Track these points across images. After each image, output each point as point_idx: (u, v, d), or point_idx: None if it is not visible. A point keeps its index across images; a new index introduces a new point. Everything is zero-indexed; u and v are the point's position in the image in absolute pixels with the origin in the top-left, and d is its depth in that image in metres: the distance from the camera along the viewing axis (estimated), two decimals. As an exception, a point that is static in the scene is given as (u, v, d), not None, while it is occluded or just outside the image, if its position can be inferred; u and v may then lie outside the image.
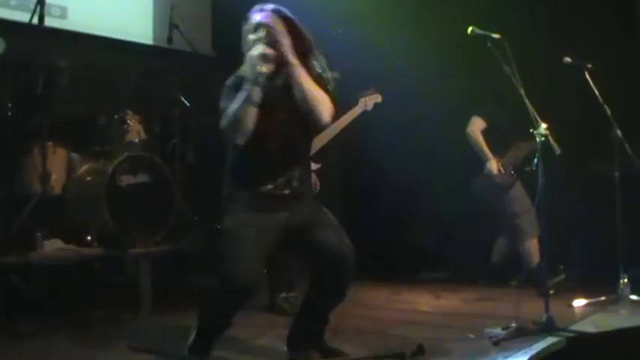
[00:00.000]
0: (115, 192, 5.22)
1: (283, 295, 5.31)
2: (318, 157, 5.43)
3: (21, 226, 4.96)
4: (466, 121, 6.39)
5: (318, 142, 5.44)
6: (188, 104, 6.07)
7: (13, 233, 4.91)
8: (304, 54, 3.79)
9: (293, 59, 3.66)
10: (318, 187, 5.40)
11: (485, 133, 6.41)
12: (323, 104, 3.69)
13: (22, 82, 5.13)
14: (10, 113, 5.04)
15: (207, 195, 6.32)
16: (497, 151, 6.38)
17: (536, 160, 4.72)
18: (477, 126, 6.42)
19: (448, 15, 6.83)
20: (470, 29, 4.81)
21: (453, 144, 6.68)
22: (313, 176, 4.94)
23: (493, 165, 6.36)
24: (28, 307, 4.73)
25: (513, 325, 4.39)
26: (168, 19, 6.28)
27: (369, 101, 5.77)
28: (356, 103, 5.73)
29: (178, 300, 5.36)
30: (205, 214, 5.87)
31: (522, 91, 4.74)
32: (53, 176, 5.23)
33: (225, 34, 7.29)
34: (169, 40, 6.19)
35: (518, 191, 6.40)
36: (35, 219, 5.05)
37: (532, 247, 6.32)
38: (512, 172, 6.36)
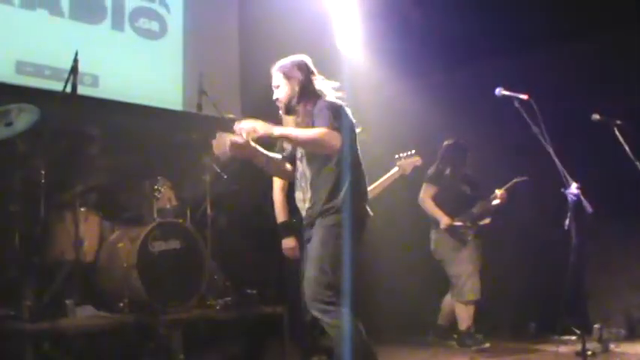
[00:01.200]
0: (147, 258, 5.22)
1: (315, 358, 5.24)
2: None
3: (53, 293, 4.97)
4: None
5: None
6: (218, 170, 6.10)
7: (46, 300, 4.91)
8: (300, 96, 4.16)
9: (276, 132, 3.96)
10: None
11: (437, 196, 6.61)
12: (322, 144, 3.92)
13: (55, 150, 5.18)
14: (43, 180, 5.08)
15: (239, 260, 6.37)
16: (452, 211, 6.54)
17: (567, 220, 4.70)
18: (427, 193, 6.63)
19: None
20: (497, 90, 4.83)
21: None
22: None
23: (445, 221, 6.49)
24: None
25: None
26: (197, 85, 6.36)
27: (408, 165, 5.68)
28: (393, 165, 5.67)
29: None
30: (237, 279, 5.86)
31: (551, 150, 4.73)
32: (85, 243, 5.25)
33: (254, 98, 7.38)
34: (199, 106, 6.25)
35: (467, 253, 6.46)
36: (67, 286, 5.07)
37: (462, 311, 6.40)
38: (465, 230, 6.45)
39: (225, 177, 6.02)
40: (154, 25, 7.14)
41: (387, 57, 7.40)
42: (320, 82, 4.26)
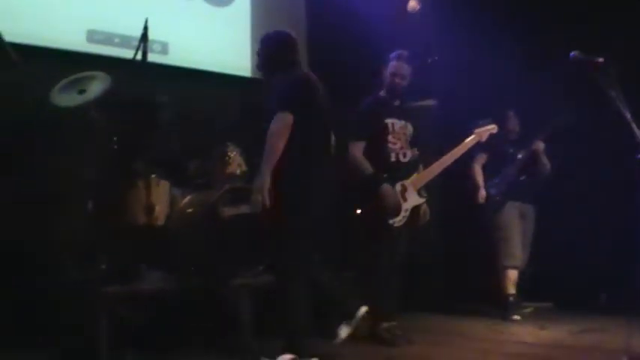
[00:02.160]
0: (217, 223, 5.28)
1: (385, 324, 5.26)
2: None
3: (126, 258, 5.07)
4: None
5: (430, 174, 5.42)
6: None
7: (119, 264, 5.01)
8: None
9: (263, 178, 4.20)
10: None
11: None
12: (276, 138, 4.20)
13: (126, 117, 5.25)
14: (115, 147, 5.16)
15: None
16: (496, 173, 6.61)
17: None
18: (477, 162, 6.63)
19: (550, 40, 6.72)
20: (572, 54, 4.71)
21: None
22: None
23: (480, 194, 6.55)
24: (133, 337, 4.80)
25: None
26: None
27: (483, 132, 5.71)
28: (470, 134, 5.69)
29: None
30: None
31: (629, 115, 4.61)
32: (157, 208, 5.31)
33: (321, 63, 7.35)
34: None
35: (503, 217, 6.51)
36: (139, 250, 5.16)
37: (504, 278, 6.42)
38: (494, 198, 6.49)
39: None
40: (222, -8, 7.17)
41: (459, 25, 7.27)
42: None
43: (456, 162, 5.59)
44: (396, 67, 5.40)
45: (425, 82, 6.04)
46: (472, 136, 5.70)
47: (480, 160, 6.64)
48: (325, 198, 4.48)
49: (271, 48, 4.65)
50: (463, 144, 5.64)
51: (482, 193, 6.54)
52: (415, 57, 5.52)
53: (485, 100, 6.76)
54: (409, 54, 5.44)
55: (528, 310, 6.39)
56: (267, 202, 4.18)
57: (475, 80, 7.00)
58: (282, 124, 4.20)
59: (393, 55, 5.44)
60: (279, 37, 4.69)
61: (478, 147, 6.03)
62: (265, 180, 4.19)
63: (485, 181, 6.62)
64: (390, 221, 5.26)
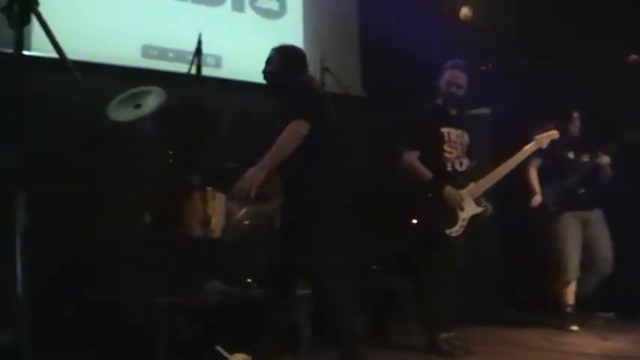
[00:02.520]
0: (273, 235, 5.28)
1: (443, 335, 5.21)
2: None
3: (183, 269, 5.11)
4: None
5: (487, 182, 5.36)
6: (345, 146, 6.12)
7: (176, 276, 5.05)
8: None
9: (264, 167, 4.19)
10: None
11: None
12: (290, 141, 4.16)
13: (182, 130, 5.29)
14: (171, 160, 5.21)
15: (361, 235, 6.36)
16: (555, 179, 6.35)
17: None
18: (531, 163, 6.39)
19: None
20: (631, 57, 4.64)
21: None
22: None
23: (535, 200, 6.35)
24: (189, 348, 4.83)
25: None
26: (318, 62, 6.37)
27: (544, 138, 5.62)
28: (530, 140, 5.60)
29: (333, 341, 5.35)
30: (360, 255, 5.87)
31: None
32: (213, 220, 5.34)
33: (375, 74, 7.35)
34: (322, 84, 6.27)
35: (558, 228, 6.27)
36: (196, 262, 5.19)
37: (561, 289, 6.29)
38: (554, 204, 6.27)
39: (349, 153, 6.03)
40: (274, 5, 7.20)
41: (510, 27, 7.20)
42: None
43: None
44: (453, 75, 5.35)
45: (480, 90, 5.96)
46: (532, 143, 5.61)
47: (535, 163, 6.41)
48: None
49: (292, 58, 4.68)
50: (522, 151, 5.55)
51: (537, 199, 6.35)
52: (469, 65, 5.46)
53: (542, 108, 6.67)
54: (465, 62, 5.39)
55: (598, 320, 6.21)
56: (253, 196, 4.15)
57: (531, 87, 6.92)
58: (303, 128, 4.17)
59: (449, 63, 5.40)
60: (299, 51, 4.75)
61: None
62: (262, 174, 4.16)
63: (542, 185, 6.42)
64: (447, 231, 5.21)
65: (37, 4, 2.44)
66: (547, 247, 6.37)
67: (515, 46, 6.96)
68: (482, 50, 7.10)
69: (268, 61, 4.73)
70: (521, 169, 6.19)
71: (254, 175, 4.15)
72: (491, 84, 6.89)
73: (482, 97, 6.88)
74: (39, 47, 4.52)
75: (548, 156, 6.26)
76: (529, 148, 5.58)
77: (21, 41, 2.42)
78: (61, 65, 2.58)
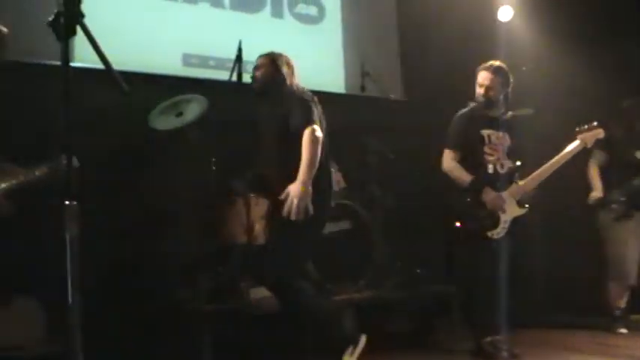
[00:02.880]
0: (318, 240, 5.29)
1: (489, 338, 5.16)
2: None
3: (227, 276, 5.13)
4: None
5: (531, 183, 5.30)
6: (384, 150, 6.10)
7: (220, 282, 5.07)
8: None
9: (305, 183, 4.18)
10: None
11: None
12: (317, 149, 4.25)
13: (224, 138, 5.32)
14: (214, 168, 5.24)
15: (408, 240, 6.35)
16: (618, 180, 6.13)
17: None
18: (593, 160, 6.25)
19: None
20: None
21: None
22: None
23: (593, 195, 6.18)
24: (234, 354, 4.84)
25: None
26: (359, 67, 6.37)
27: (589, 137, 5.47)
28: (573, 139, 5.48)
29: (382, 346, 5.34)
30: (406, 259, 5.85)
31: None
32: (256, 227, 5.36)
33: (415, 77, 7.32)
34: (362, 88, 6.26)
35: (622, 232, 6.04)
36: (240, 268, 5.20)
37: (613, 293, 6.12)
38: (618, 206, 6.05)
39: (392, 157, 6.03)
40: (312, 10, 7.21)
41: (551, 28, 7.13)
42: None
43: (570, 163, 5.40)
44: (479, 77, 5.32)
45: (522, 90, 5.90)
46: (576, 142, 5.46)
47: (596, 160, 6.20)
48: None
49: (284, 64, 4.81)
50: (566, 151, 5.41)
51: (595, 194, 6.13)
52: (506, 67, 5.39)
53: (585, 108, 6.58)
54: (496, 65, 5.33)
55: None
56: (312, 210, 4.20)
57: (574, 87, 6.84)
58: (319, 132, 4.31)
59: (480, 67, 5.37)
60: (288, 58, 4.88)
61: (597, 145, 5.66)
62: (309, 190, 4.20)
63: (605, 185, 6.17)
64: (489, 234, 5.16)
65: (82, 16, 2.46)
66: (606, 250, 6.16)
67: (559, 46, 6.88)
68: (524, 50, 7.03)
69: (257, 67, 4.78)
70: (580, 166, 6.06)
71: (305, 194, 4.19)
72: (535, 84, 6.83)
73: (526, 98, 6.82)
74: (81, 58, 4.57)
75: (611, 154, 6.15)
76: (573, 148, 5.45)
77: (67, 53, 2.45)
78: (107, 76, 2.60)
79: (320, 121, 4.44)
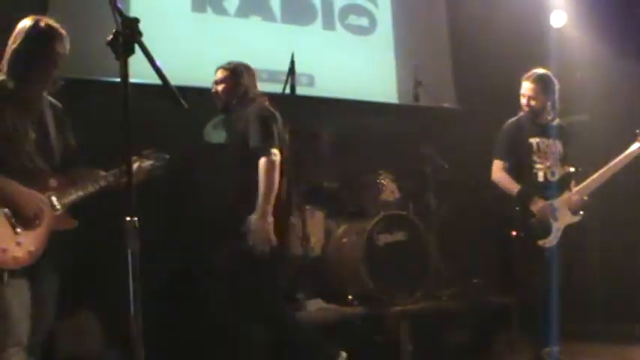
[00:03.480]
0: (373, 251, 5.30)
1: (546, 349, 5.10)
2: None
3: (285, 287, 5.15)
4: None
5: (585, 190, 5.22)
6: (439, 159, 6.09)
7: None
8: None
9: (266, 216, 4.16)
10: None
11: None
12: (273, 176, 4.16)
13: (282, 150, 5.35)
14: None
15: (464, 249, 6.31)
16: None
17: None
18: None
19: None
20: None
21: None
22: None
23: None
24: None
25: None
26: (411, 76, 6.36)
27: None
28: (633, 141, 5.36)
29: (439, 356, 5.32)
30: (463, 269, 5.82)
31: None
32: (312, 238, 5.40)
33: (469, 85, 7.28)
34: (415, 97, 6.25)
35: None
36: (297, 280, 5.23)
37: None
38: None
39: (447, 166, 6.01)
40: (364, 21, 7.23)
41: (604, 32, 7.03)
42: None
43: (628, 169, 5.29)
44: (524, 88, 5.28)
45: (577, 96, 5.83)
46: (636, 145, 5.34)
47: None
48: None
49: (248, 79, 4.70)
50: (625, 154, 5.25)
51: None
52: (549, 74, 5.32)
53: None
54: (537, 74, 5.26)
55: None
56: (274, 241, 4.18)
57: (633, 93, 6.73)
58: (276, 159, 4.22)
59: (523, 76, 5.32)
60: (251, 70, 4.75)
61: None
62: (268, 221, 4.17)
63: None
64: (540, 242, 5.10)
65: (140, 35, 2.51)
66: None
67: (614, 51, 6.78)
68: (578, 56, 6.94)
69: (217, 82, 4.72)
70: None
71: (263, 226, 4.17)
72: (590, 90, 6.74)
73: (580, 104, 6.74)
74: (136, 74, 4.65)
75: None
76: (634, 150, 5.28)
77: (126, 71, 2.50)
78: (164, 91, 2.64)
79: (280, 138, 4.38)
